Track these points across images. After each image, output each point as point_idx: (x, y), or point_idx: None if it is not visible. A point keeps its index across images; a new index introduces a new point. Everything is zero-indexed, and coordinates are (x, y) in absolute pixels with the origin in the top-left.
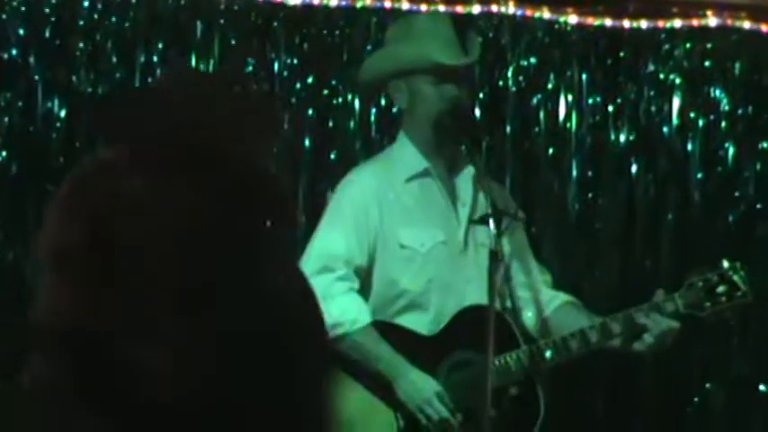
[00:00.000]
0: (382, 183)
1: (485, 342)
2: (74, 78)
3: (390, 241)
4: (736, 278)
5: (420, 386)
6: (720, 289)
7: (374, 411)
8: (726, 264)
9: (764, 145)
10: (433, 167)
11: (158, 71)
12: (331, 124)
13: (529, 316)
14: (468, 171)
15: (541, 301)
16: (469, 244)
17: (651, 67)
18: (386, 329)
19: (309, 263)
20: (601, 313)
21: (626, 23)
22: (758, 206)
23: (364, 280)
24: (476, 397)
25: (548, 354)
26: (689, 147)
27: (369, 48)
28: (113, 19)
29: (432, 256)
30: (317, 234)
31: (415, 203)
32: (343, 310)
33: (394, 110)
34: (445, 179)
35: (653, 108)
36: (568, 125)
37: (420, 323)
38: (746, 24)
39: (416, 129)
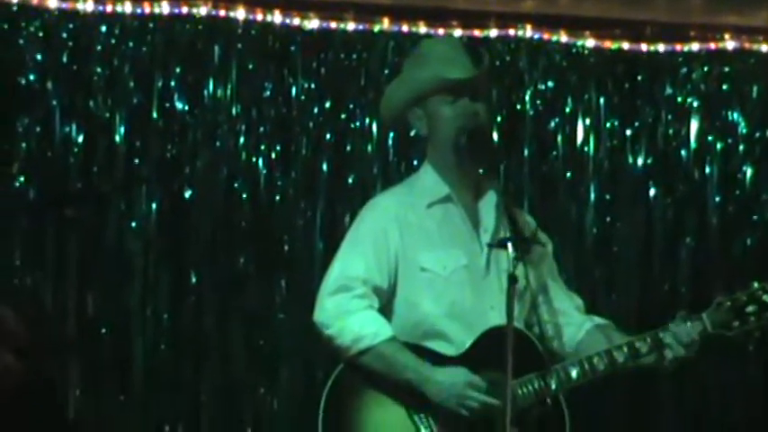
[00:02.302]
0: (403, 207)
1: (509, 362)
2: (91, 103)
3: (411, 264)
4: (766, 298)
5: (450, 383)
6: (749, 309)
7: (404, 423)
8: (755, 284)
9: None
10: (455, 193)
11: (176, 96)
12: (348, 148)
13: (559, 340)
14: (491, 197)
15: (573, 325)
16: (492, 269)
17: (669, 91)
18: (409, 349)
19: (328, 284)
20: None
21: (643, 47)
22: None
23: (386, 303)
24: (500, 417)
25: (573, 373)
26: (707, 170)
27: (386, 72)
28: (131, 44)
29: (454, 279)
30: (336, 257)
31: (437, 228)
32: (362, 324)
33: (411, 133)
34: (468, 205)
35: (671, 131)
36: (586, 149)
37: (444, 349)
38: (764, 47)
39: (438, 154)
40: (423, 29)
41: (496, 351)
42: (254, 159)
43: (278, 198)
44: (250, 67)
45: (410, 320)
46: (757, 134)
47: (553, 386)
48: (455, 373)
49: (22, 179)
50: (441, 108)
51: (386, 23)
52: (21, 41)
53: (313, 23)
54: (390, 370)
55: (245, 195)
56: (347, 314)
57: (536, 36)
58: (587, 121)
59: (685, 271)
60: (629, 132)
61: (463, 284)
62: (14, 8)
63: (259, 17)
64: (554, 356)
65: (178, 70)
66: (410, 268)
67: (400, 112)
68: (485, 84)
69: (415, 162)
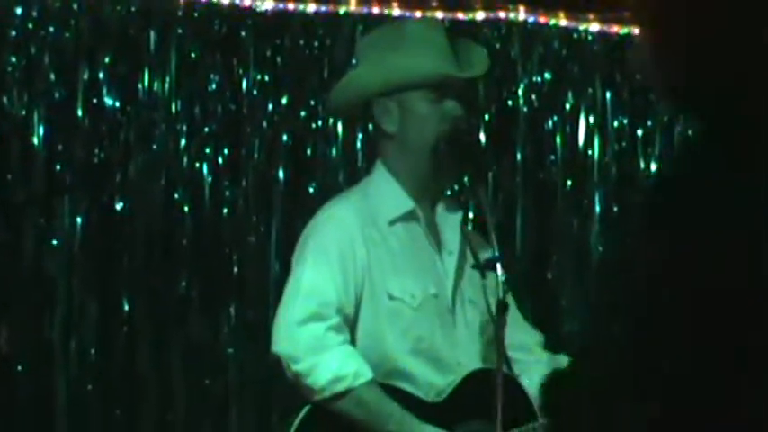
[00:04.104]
0: (366, 221)
1: (496, 410)
2: (5, 99)
3: (377, 290)
4: None
5: None
6: None
7: None
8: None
9: None
10: (419, 209)
11: (104, 90)
12: (309, 152)
13: (529, 381)
14: (455, 215)
15: (541, 363)
16: (457, 300)
17: None
18: (387, 391)
19: (297, 309)
20: None
21: None
22: None
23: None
24: None
25: None
26: None
27: (354, 61)
28: (51, 29)
29: (422, 311)
30: (301, 275)
31: (401, 249)
32: (341, 362)
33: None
34: (430, 223)
35: (689, 131)
36: (590, 152)
37: (411, 391)
38: None
39: (405, 159)
40: (396, 11)
41: (482, 397)
42: (197, 165)
43: (226, 211)
44: (192, 55)
45: (373, 356)
46: None
47: None
48: None
49: None
50: (420, 105)
51: (353, 4)
52: None
53: (267, 4)
54: (370, 418)
55: (186, 208)
56: (322, 349)
57: (530, 19)
58: (591, 120)
59: None
60: (640, 133)
61: (432, 318)
62: None
63: None
64: None
65: (107, 60)
66: (376, 295)
67: (363, 101)
68: (474, 88)
69: None
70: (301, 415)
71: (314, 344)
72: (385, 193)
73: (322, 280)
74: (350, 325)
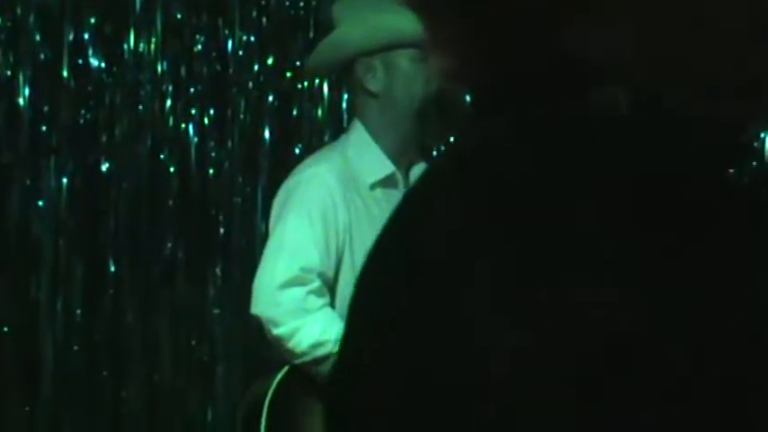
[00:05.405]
0: (348, 185)
1: None
2: None
3: (357, 255)
4: None
5: None
6: None
7: None
8: None
9: None
10: (397, 173)
11: (90, 51)
12: (295, 112)
13: None
14: None
15: None
16: None
17: None
18: None
19: (278, 271)
20: None
21: None
22: None
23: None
24: None
25: None
26: None
27: (335, 22)
28: None
29: None
30: (282, 235)
31: (380, 215)
32: (323, 327)
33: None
34: (406, 188)
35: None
36: None
37: None
38: None
39: (387, 119)
40: None
41: None
42: (183, 126)
43: (212, 171)
44: (178, 16)
45: None
46: None
47: None
48: None
49: None
50: (406, 64)
51: None
52: None
53: None
54: None
55: (172, 168)
56: (304, 313)
57: None
58: None
59: None
60: None
61: None
62: None
63: None
64: None
65: (93, 20)
66: (355, 260)
67: (347, 60)
68: None
69: None
70: (281, 374)
71: (295, 308)
72: (365, 155)
73: (305, 242)
74: (330, 288)
